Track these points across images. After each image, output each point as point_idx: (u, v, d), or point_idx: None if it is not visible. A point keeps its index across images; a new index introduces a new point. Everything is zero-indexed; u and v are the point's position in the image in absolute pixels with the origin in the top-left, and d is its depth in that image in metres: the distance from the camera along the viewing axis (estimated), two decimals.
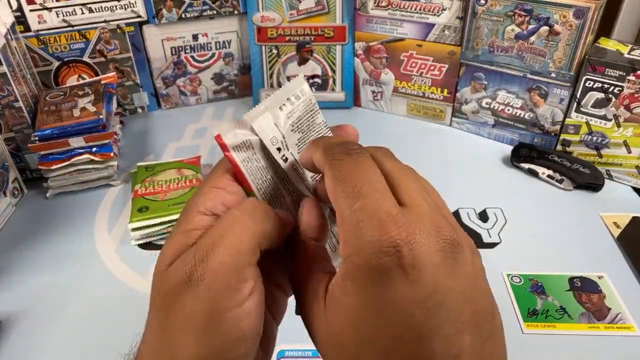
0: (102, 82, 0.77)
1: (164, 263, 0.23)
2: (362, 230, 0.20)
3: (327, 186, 0.22)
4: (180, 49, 0.86)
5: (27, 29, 0.76)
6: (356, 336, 0.20)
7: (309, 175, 0.27)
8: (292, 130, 0.26)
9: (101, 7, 0.78)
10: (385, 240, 0.19)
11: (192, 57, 0.87)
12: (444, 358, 0.19)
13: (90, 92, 0.73)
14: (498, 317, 0.22)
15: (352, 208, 0.20)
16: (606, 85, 0.65)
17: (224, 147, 0.25)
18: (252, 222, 0.23)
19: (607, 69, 0.64)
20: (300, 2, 0.81)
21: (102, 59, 0.83)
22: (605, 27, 0.78)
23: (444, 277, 0.19)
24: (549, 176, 0.70)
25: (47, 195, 0.70)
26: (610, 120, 0.67)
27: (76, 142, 0.68)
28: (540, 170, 0.71)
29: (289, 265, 0.25)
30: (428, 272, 0.19)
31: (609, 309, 0.52)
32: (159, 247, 0.61)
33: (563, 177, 0.69)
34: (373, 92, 0.87)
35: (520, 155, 0.73)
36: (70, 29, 0.79)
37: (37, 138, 0.66)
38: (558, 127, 0.72)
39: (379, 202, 0.20)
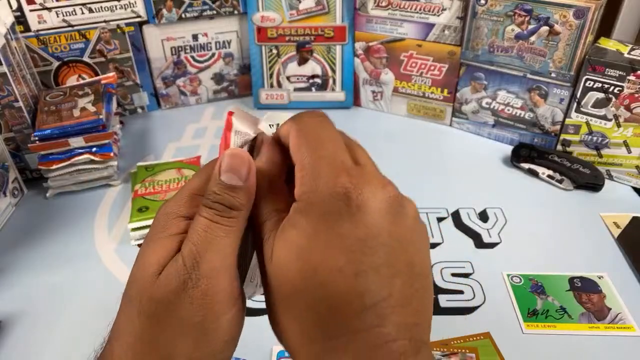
0: (102, 82, 0.77)
1: (151, 270, 0.23)
2: (320, 175, 0.22)
3: (292, 141, 0.24)
4: (180, 49, 0.86)
5: (27, 29, 0.76)
6: (300, 267, 0.22)
7: None
8: None
9: (101, 7, 0.78)
10: (340, 184, 0.21)
11: (192, 57, 0.87)
12: (375, 296, 0.21)
13: (90, 92, 0.73)
14: (430, 285, 0.24)
15: (313, 156, 0.23)
16: (606, 85, 0.65)
17: (229, 125, 0.26)
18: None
19: (607, 69, 0.64)
20: (300, 2, 0.81)
21: (102, 59, 0.83)
22: (606, 27, 0.78)
23: (387, 223, 0.22)
24: (549, 176, 0.70)
25: (47, 195, 0.69)
26: (610, 120, 0.67)
27: (76, 142, 0.68)
28: (540, 170, 0.71)
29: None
30: (372, 216, 0.21)
31: (609, 309, 0.52)
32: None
33: (563, 177, 0.69)
34: (373, 92, 0.87)
35: (521, 155, 0.73)
36: (70, 29, 0.79)
37: (37, 138, 0.66)
38: (558, 127, 0.72)
39: (337, 155, 0.23)
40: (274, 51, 0.85)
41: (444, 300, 0.53)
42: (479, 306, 0.52)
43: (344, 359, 0.21)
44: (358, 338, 0.21)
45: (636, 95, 0.64)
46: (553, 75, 0.69)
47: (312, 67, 0.86)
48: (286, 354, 0.49)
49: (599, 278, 0.55)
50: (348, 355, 0.21)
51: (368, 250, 0.21)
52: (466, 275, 0.56)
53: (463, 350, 0.47)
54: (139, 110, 0.89)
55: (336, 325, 0.21)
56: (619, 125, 0.67)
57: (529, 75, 0.72)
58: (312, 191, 0.22)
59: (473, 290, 0.54)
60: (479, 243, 0.60)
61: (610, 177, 0.70)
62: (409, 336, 0.21)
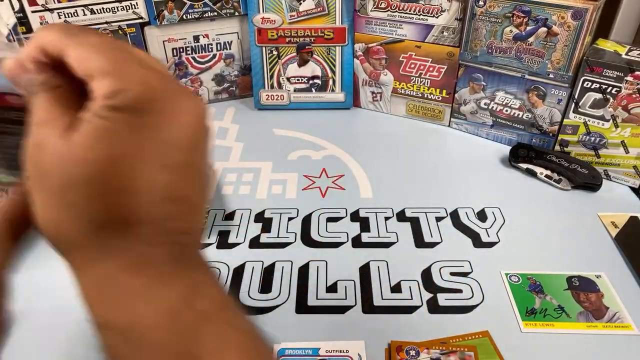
0: None
1: None
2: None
3: (80, 55, 0.21)
4: (181, 50, 0.87)
5: (29, 30, 0.77)
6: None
7: None
8: None
9: (103, 8, 0.79)
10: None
11: (193, 58, 0.88)
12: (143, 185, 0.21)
13: None
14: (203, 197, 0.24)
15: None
16: (604, 86, 0.66)
17: None
18: None
19: (605, 70, 0.65)
20: (300, 3, 0.82)
21: None
22: (603, 28, 0.79)
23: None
24: (547, 176, 0.70)
25: None
26: (608, 120, 0.67)
27: None
28: (539, 170, 0.71)
29: None
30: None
31: (607, 308, 0.52)
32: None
33: (561, 177, 0.70)
34: (372, 92, 0.88)
35: (519, 156, 0.73)
36: None
37: None
38: (556, 127, 0.73)
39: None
40: (275, 52, 0.86)
41: (443, 299, 0.53)
42: (477, 305, 0.53)
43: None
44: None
45: (634, 95, 0.64)
46: (551, 76, 0.70)
47: (312, 68, 0.87)
48: (287, 352, 0.49)
49: (597, 277, 0.56)
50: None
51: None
52: (465, 275, 0.56)
53: (462, 349, 0.48)
54: None
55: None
56: (616, 126, 0.67)
57: (527, 76, 0.72)
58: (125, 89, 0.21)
59: (472, 289, 0.55)
60: (478, 242, 0.61)
61: (608, 177, 0.71)
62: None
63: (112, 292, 0.22)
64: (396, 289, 0.55)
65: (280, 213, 0.66)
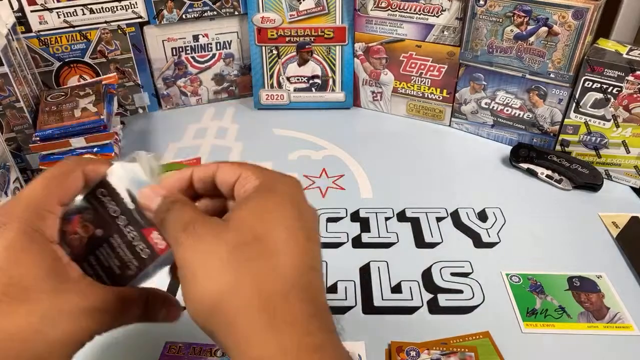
0: (103, 82, 0.78)
1: None
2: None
3: (226, 169, 0.32)
4: (180, 49, 0.86)
5: (28, 29, 0.77)
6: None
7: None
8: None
9: (102, 7, 0.78)
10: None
11: (193, 57, 0.88)
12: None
13: (91, 93, 0.74)
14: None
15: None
16: (605, 86, 0.65)
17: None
18: None
19: (605, 70, 0.65)
20: (300, 3, 0.82)
21: (103, 60, 0.83)
22: (604, 28, 0.79)
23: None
24: (547, 176, 0.70)
25: None
26: (609, 120, 0.67)
27: (77, 142, 0.68)
28: (539, 170, 0.71)
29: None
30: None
31: (608, 309, 0.52)
32: None
33: (562, 177, 0.70)
34: (373, 92, 0.88)
35: (519, 155, 0.73)
36: (71, 29, 0.79)
37: (38, 138, 0.66)
38: (557, 127, 0.73)
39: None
40: (274, 52, 0.86)
41: (443, 300, 0.53)
42: (478, 305, 0.53)
43: None
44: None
45: (635, 95, 0.64)
46: (552, 75, 0.70)
47: (312, 68, 0.87)
48: None
49: (598, 277, 0.55)
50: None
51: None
52: (465, 275, 0.56)
53: (462, 350, 0.47)
54: (140, 110, 0.90)
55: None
56: (617, 126, 0.67)
57: (528, 76, 0.72)
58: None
59: (472, 289, 0.54)
60: (478, 243, 0.61)
61: (609, 177, 0.71)
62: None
63: None
64: (396, 289, 0.55)
65: None
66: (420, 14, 0.77)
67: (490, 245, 0.60)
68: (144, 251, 0.33)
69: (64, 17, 0.78)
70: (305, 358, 0.24)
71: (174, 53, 0.86)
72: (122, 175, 0.33)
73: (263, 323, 0.24)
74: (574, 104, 0.69)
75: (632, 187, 0.70)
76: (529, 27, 0.68)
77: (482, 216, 0.65)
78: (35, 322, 0.27)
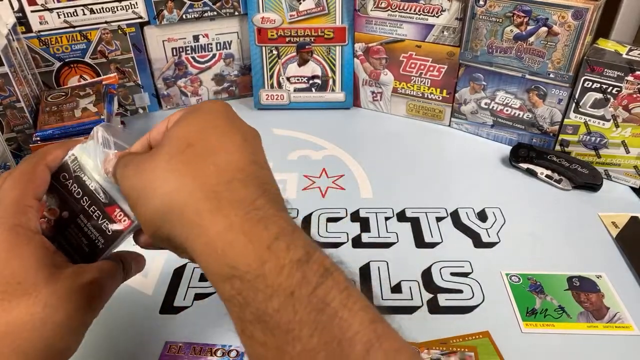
0: (104, 82, 0.78)
1: None
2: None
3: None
4: (181, 49, 0.86)
5: (29, 29, 0.77)
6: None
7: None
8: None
9: (102, 8, 0.79)
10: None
11: (193, 57, 0.88)
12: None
13: (91, 93, 0.74)
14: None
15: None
16: (604, 86, 0.66)
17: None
18: None
19: (605, 70, 0.65)
20: (300, 3, 0.82)
21: (103, 60, 0.83)
22: (604, 28, 0.79)
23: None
24: (547, 176, 0.70)
25: None
26: (608, 120, 0.67)
27: None
28: (539, 170, 0.71)
29: None
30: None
31: (608, 309, 0.52)
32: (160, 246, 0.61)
33: (562, 177, 0.70)
34: (372, 92, 0.88)
35: (519, 156, 0.73)
36: (71, 29, 0.79)
37: (38, 138, 0.67)
38: (557, 127, 0.73)
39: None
40: (274, 52, 0.86)
41: (443, 299, 0.53)
42: (477, 305, 0.53)
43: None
44: None
45: (634, 95, 0.64)
46: (552, 75, 0.70)
47: (312, 68, 0.87)
48: None
49: (598, 277, 0.55)
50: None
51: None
52: (465, 275, 0.56)
53: (462, 349, 0.47)
54: (140, 110, 0.90)
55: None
56: (617, 126, 0.67)
57: (527, 76, 0.72)
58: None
59: (472, 289, 0.54)
60: (478, 243, 0.61)
61: (609, 177, 0.71)
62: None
63: (239, 243, 0.25)
64: (396, 289, 0.55)
65: None
66: (420, 14, 0.77)
67: (490, 245, 0.60)
68: (108, 228, 0.35)
69: (65, 17, 0.78)
70: (249, 227, 0.25)
71: (174, 53, 0.87)
72: (81, 156, 0.35)
73: (209, 207, 0.25)
74: (574, 104, 0.69)
75: (631, 187, 0.70)
76: (529, 28, 0.68)
77: (482, 216, 0.65)
78: (38, 312, 0.29)
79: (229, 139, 0.29)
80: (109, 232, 0.35)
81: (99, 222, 0.35)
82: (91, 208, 0.35)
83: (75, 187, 0.35)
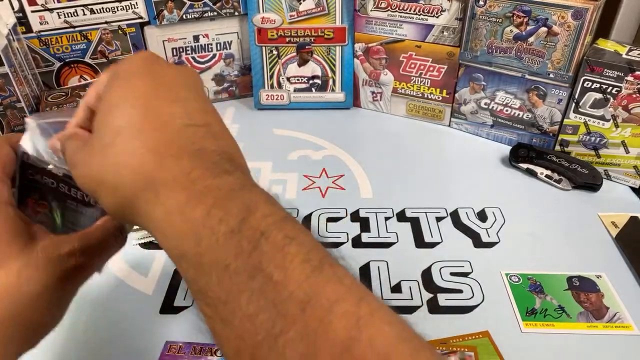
0: None
1: None
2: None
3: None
4: (181, 49, 0.87)
5: (29, 29, 0.77)
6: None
7: None
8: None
9: (102, 8, 0.79)
10: None
11: (193, 58, 0.88)
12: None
13: None
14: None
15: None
16: (604, 86, 0.66)
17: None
18: None
19: (605, 70, 0.65)
20: (300, 3, 0.82)
21: (104, 60, 0.83)
22: (604, 28, 0.79)
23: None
24: (547, 176, 0.70)
25: None
26: (608, 120, 0.67)
27: None
28: (539, 170, 0.71)
29: None
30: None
31: (608, 308, 0.52)
32: (160, 246, 0.61)
33: (561, 177, 0.70)
34: (372, 92, 0.88)
35: (519, 156, 0.73)
36: (71, 30, 0.79)
37: None
38: (556, 127, 0.73)
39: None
40: (274, 52, 0.86)
41: (443, 299, 0.53)
42: (477, 305, 0.53)
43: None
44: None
45: (634, 95, 0.64)
46: (551, 76, 0.70)
47: (312, 68, 0.87)
48: None
49: (597, 277, 0.55)
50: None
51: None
52: (465, 275, 0.56)
53: (462, 349, 0.48)
54: None
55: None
56: (617, 126, 0.67)
57: (527, 76, 0.72)
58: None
59: (472, 289, 0.55)
60: (478, 242, 0.61)
61: (608, 177, 0.71)
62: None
63: (178, 224, 0.25)
64: (396, 289, 0.55)
65: None
66: (420, 15, 0.77)
67: (490, 245, 0.60)
68: (94, 201, 0.36)
69: (65, 17, 0.78)
70: (184, 206, 0.24)
71: (175, 53, 0.87)
72: (33, 149, 0.35)
73: (149, 197, 0.25)
74: (574, 104, 0.69)
75: (631, 187, 0.70)
76: (529, 28, 0.68)
77: (482, 216, 0.65)
78: (12, 283, 0.29)
79: (154, 113, 0.27)
80: (97, 204, 0.35)
81: (85, 199, 0.36)
82: (72, 190, 0.35)
83: (46, 179, 0.35)
